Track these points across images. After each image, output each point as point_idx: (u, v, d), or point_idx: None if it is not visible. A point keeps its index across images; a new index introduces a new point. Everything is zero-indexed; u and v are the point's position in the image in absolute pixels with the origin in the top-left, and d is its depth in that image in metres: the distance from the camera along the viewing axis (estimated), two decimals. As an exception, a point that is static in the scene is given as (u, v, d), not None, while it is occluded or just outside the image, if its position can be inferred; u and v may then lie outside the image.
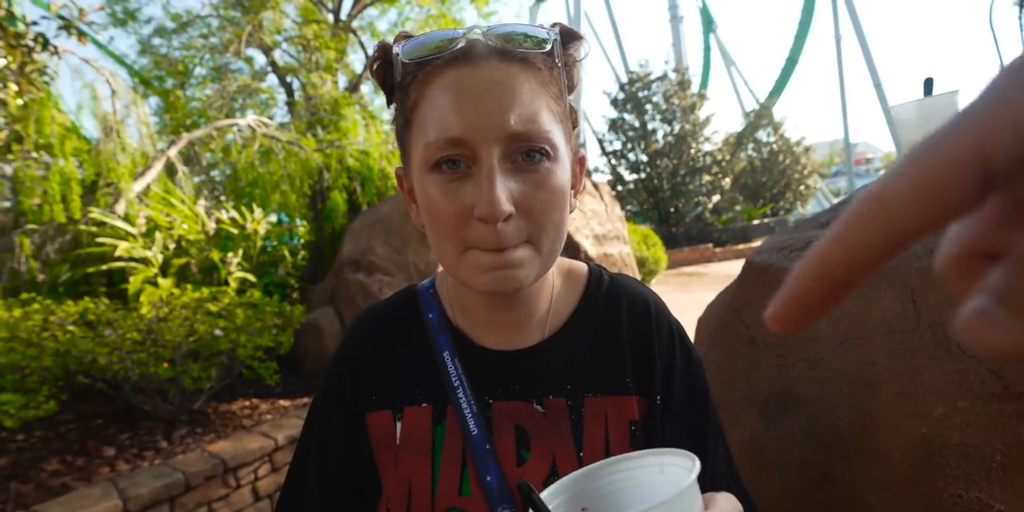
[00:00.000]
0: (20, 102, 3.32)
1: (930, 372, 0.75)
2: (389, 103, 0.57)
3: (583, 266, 0.66)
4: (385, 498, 0.56)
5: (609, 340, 0.59)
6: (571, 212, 0.54)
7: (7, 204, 4.47)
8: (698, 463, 0.39)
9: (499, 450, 0.55)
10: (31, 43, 3.34)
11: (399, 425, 0.57)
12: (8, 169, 4.72)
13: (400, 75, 0.52)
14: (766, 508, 0.97)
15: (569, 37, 0.53)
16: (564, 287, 0.63)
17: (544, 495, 0.42)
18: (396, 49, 0.51)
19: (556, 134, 0.49)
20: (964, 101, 1.06)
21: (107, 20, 7.48)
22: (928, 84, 0.96)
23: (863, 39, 26.83)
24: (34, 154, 4.22)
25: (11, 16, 3.37)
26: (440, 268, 0.63)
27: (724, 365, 1.14)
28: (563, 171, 0.51)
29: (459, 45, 0.48)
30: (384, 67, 0.54)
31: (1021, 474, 0.65)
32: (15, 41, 3.19)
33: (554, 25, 0.53)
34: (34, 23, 3.47)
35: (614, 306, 0.61)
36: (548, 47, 0.50)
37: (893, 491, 0.75)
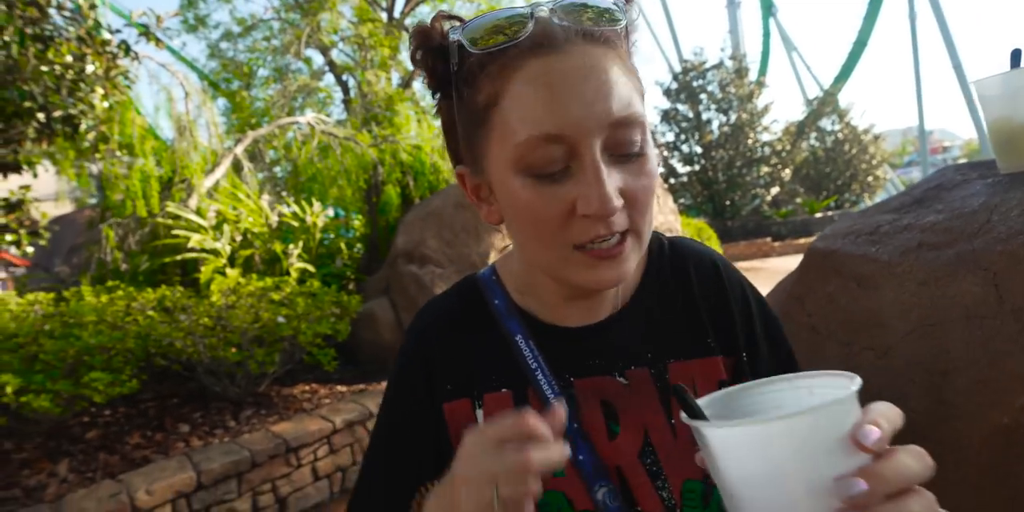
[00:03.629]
0: (106, 105, 3.59)
1: (1013, 359, 0.70)
2: (435, 93, 0.53)
3: None
4: None
5: (683, 303, 0.58)
6: None
7: (93, 200, 4.86)
8: (858, 379, 0.35)
9: (588, 428, 0.54)
10: (115, 50, 3.60)
11: (480, 412, 0.56)
12: (95, 168, 5.13)
13: (457, 65, 0.48)
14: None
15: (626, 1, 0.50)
16: None
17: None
18: (453, 36, 0.47)
19: (644, 113, 0.47)
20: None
21: (180, 27, 7.96)
22: (1016, 55, 0.86)
23: (941, 17, 24.86)
24: (118, 153, 4.57)
25: (98, 25, 3.64)
26: (493, 256, 0.62)
27: (783, 354, 1.09)
28: (653, 152, 0.48)
29: (529, 28, 0.44)
30: (434, 55, 0.49)
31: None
32: (101, 48, 3.45)
33: None
34: (117, 31, 3.74)
35: (681, 269, 0.60)
36: (622, 22, 0.47)
37: (972, 484, 0.70)
